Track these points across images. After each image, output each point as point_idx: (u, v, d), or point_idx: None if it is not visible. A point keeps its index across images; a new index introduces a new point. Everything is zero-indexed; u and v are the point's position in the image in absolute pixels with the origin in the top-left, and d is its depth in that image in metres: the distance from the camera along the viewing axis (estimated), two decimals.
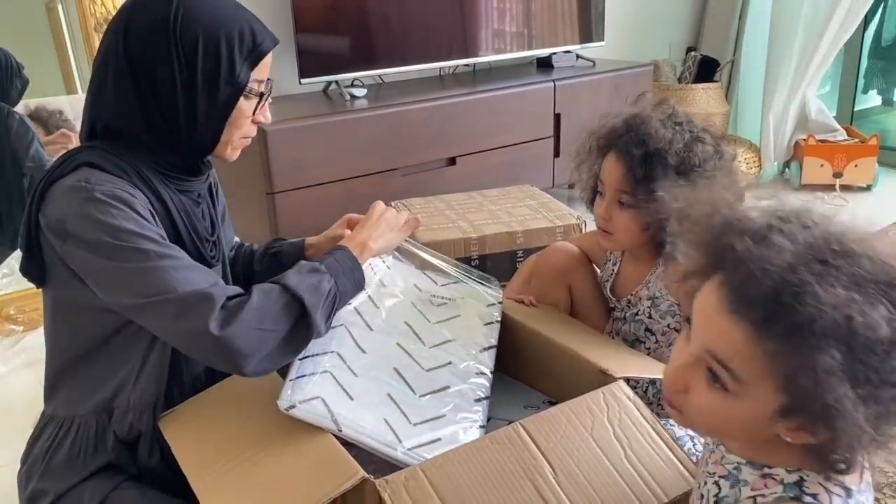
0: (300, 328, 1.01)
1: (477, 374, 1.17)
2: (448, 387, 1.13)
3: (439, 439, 1.03)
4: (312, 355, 1.07)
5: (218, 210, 1.25)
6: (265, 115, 1.16)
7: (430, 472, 0.91)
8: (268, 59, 1.12)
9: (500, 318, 1.29)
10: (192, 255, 1.11)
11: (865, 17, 3.64)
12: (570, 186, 3.27)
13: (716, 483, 0.80)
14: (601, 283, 1.51)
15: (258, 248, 1.40)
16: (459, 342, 1.22)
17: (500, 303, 1.32)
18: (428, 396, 1.11)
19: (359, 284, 1.13)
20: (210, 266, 1.17)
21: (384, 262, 1.30)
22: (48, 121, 2.32)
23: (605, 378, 1.11)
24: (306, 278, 1.03)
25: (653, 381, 1.44)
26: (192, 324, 0.95)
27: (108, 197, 0.98)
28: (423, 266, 1.36)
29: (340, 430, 0.97)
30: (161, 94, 1.05)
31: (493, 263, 1.89)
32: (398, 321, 1.22)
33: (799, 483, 0.72)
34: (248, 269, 1.37)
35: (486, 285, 1.36)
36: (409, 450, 1.00)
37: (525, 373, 1.31)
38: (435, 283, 1.33)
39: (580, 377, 1.16)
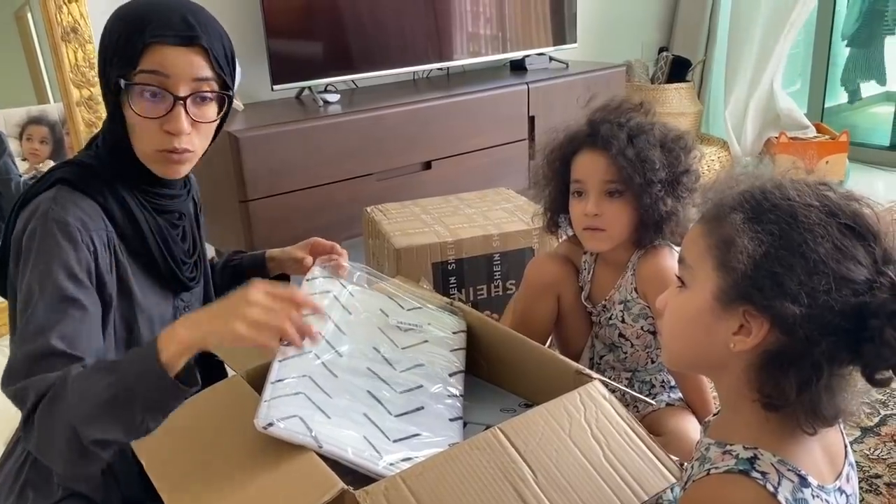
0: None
1: (448, 396, 1.17)
2: (422, 407, 1.12)
3: (419, 457, 1.02)
4: (283, 380, 1.05)
5: (202, 230, 1.23)
6: (171, 125, 1.00)
7: (410, 480, 0.90)
8: (163, 54, 0.98)
9: (465, 346, 1.29)
10: (166, 279, 1.11)
11: (833, 14, 3.71)
12: None
13: (691, 465, 0.83)
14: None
15: (217, 262, 1.38)
16: (428, 367, 1.21)
17: (464, 331, 1.32)
18: (403, 416, 1.10)
19: (154, 390, 0.88)
20: (188, 289, 1.16)
21: (346, 288, 1.29)
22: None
23: (580, 379, 1.11)
24: (85, 381, 0.89)
25: (630, 384, 1.45)
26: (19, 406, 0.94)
27: (59, 229, 0.96)
28: (388, 294, 1.35)
29: (321, 447, 0.95)
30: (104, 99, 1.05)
31: (469, 267, 1.88)
32: (367, 346, 1.21)
33: (752, 460, 0.75)
34: None
35: (450, 312, 1.35)
36: (390, 465, 0.98)
37: (500, 376, 1.31)
38: (401, 307, 1.33)
39: (556, 379, 1.15)
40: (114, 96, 1.01)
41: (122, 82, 0.99)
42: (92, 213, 1.01)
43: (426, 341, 1.26)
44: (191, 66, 1.00)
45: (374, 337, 1.23)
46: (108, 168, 1.05)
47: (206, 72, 1.02)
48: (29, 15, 2.25)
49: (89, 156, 1.06)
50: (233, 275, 1.35)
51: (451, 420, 1.12)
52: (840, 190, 0.76)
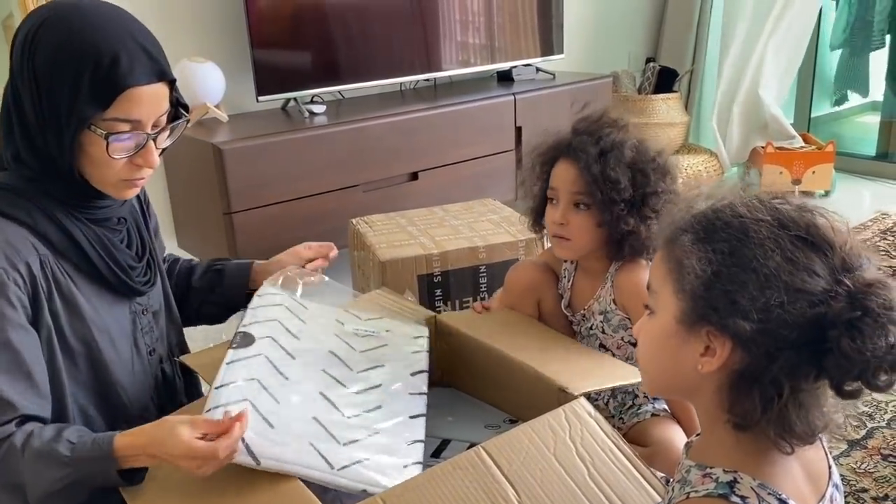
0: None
1: (410, 394, 1.16)
2: (380, 406, 1.12)
3: (369, 459, 1.01)
4: (228, 384, 1.03)
5: (151, 227, 1.21)
6: (145, 159, 1.02)
7: (391, 501, 0.89)
8: (137, 97, 0.97)
9: (427, 349, 1.28)
10: (116, 289, 1.09)
11: (819, 24, 3.73)
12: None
13: (672, 487, 0.82)
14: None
15: (199, 265, 1.37)
16: (388, 367, 1.20)
17: (427, 336, 1.31)
18: (358, 417, 1.08)
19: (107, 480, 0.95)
20: (140, 293, 1.14)
21: (301, 303, 1.28)
22: None
23: (565, 395, 1.10)
24: (37, 463, 0.93)
25: (613, 395, 1.43)
26: None
27: None
28: (350, 305, 1.35)
29: (259, 464, 0.94)
30: (21, 118, 1.00)
31: (455, 279, 1.87)
32: (322, 350, 1.20)
33: (731, 484, 0.73)
34: (184, 284, 1.34)
35: (411, 321, 1.35)
36: (340, 469, 0.97)
37: (485, 391, 1.29)
38: (358, 317, 1.33)
39: (540, 394, 1.14)
40: (70, 125, 0.97)
41: (93, 128, 0.97)
42: (19, 240, 0.98)
43: (385, 345, 1.26)
44: (159, 104, 1.01)
45: (329, 342, 1.23)
46: (34, 187, 1.01)
47: (167, 101, 1.03)
48: (17, 23, 2.23)
49: (10, 176, 1.03)
50: (214, 278, 1.34)
51: (411, 417, 1.11)
52: (795, 202, 0.75)
